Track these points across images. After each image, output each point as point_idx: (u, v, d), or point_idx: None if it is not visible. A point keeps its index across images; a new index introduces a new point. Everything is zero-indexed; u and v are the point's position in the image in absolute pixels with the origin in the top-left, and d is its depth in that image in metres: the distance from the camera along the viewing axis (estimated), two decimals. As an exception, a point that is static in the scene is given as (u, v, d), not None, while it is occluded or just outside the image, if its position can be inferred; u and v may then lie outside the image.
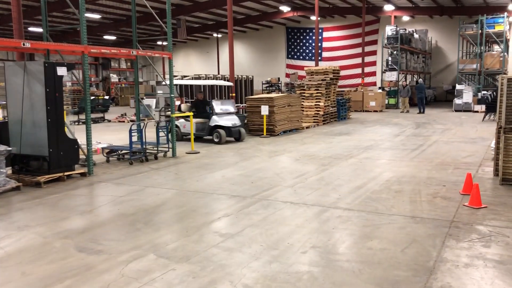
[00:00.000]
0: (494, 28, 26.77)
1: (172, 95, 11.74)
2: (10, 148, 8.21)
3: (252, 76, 23.34)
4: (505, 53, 27.60)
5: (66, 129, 9.28)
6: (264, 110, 15.09)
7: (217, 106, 14.07)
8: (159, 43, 39.93)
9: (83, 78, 9.32)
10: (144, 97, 25.84)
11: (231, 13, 16.94)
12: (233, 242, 5.41)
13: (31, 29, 26.65)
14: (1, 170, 7.81)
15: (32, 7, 22.65)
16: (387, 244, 5.29)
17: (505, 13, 26.95)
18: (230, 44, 16.89)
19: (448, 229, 5.76)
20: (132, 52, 10.64)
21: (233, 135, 13.93)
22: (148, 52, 11.40)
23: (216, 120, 13.72)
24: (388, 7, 30.66)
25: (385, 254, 4.97)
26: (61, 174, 8.72)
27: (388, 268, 4.62)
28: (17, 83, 8.62)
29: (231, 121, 13.87)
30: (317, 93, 19.24)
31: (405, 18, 34.04)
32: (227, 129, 13.78)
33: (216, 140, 13.74)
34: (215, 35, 41.38)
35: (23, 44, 8.20)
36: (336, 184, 8.33)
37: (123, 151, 11.41)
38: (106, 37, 37.95)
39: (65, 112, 10.10)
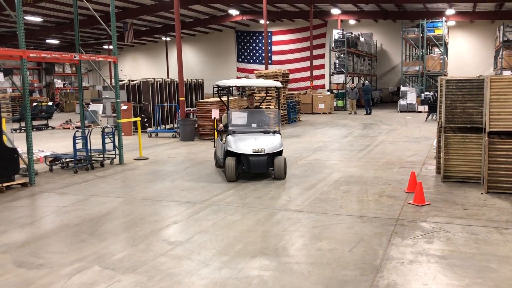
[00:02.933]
0: (434, 32, 27.99)
1: (118, 100, 11.42)
2: None
3: (202, 80, 23.18)
4: (445, 56, 28.93)
5: (4, 137, 8.81)
6: (215, 113, 14.98)
7: (237, 118, 9.31)
8: (106, 47, 38.92)
9: (22, 83, 8.88)
10: (90, 103, 25.06)
11: (179, 17, 16.73)
12: (182, 249, 5.31)
13: (-34, 32, 25.24)
14: None
15: (-34, 9, 21.44)
16: (335, 244, 5.35)
17: (443, 18, 28.27)
18: (178, 48, 16.67)
19: (393, 227, 5.92)
20: (75, 57, 10.28)
21: (255, 168, 8.68)
22: (91, 56, 11.05)
23: (231, 143, 8.81)
24: (335, 11, 31.40)
25: (333, 255, 5.03)
26: (-1, 185, 8.27)
27: (336, 268, 4.67)
28: None
29: (256, 145, 8.75)
30: (268, 96, 19.35)
31: (351, 22, 34.98)
32: (245, 158, 8.72)
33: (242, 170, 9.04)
34: (163, 38, 40.83)
35: (-46, 49, 7.72)
36: (286, 186, 8.38)
37: (67, 159, 10.97)
38: (49, 41, 36.54)
39: (4, 119, 9.60)
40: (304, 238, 5.64)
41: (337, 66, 29.74)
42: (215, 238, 5.65)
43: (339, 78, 29.51)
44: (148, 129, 17.55)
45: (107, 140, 11.17)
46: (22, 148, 10.21)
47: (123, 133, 12.64)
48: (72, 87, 41.11)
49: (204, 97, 22.00)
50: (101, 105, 20.66)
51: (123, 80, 19.15)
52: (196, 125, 15.92)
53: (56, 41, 37.67)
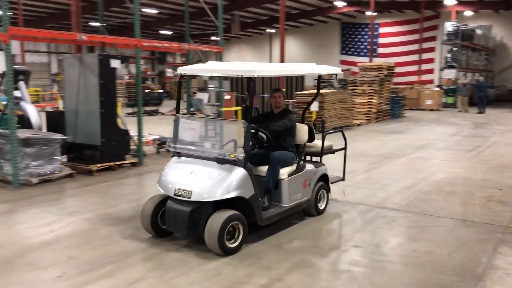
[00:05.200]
0: None
1: (222, 90, 11.85)
2: (65, 137, 8.59)
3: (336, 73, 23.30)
4: None
5: (119, 120, 9.58)
6: (314, 106, 14.90)
7: (185, 130, 5.49)
8: (213, 38, 40.49)
9: (136, 71, 9.58)
10: (197, 91, 26.27)
11: (284, 8, 16.84)
12: (276, 239, 5.37)
13: (92, 23, 27.80)
14: (56, 157, 8.17)
15: (93, 2, 23.61)
16: (433, 246, 5.06)
17: None
18: (281, 39, 16.80)
19: (501, 234, 5.44)
20: (184, 46, 10.81)
21: (170, 223, 5.00)
22: (199, 46, 11.56)
23: (162, 173, 5.42)
24: (449, 2, 29.35)
25: (430, 257, 4.76)
26: (112, 163, 9.01)
27: (432, 271, 4.41)
28: (74, 74, 8.98)
29: (184, 182, 5.00)
30: (370, 89, 18.77)
31: (468, 13, 32.48)
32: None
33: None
34: (268, 30, 41.39)
35: (80, 37, 8.54)
36: (384, 183, 8.07)
37: (173, 143, 11.61)
38: (162, 32, 38.91)
39: (119, 104, 10.44)
40: (399, 237, 5.41)
41: (448, 60, 27.87)
42: (307, 229, 5.64)
43: (450, 73, 27.61)
44: (249, 119, 17.94)
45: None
46: (133, 131, 11.03)
47: (224, 121, 13.10)
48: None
49: (304, 89, 21.95)
50: (207, 94, 21.58)
51: (228, 70, 19.73)
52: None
53: (169, 32, 40.01)
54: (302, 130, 6.07)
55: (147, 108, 22.74)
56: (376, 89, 18.69)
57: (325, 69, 6.60)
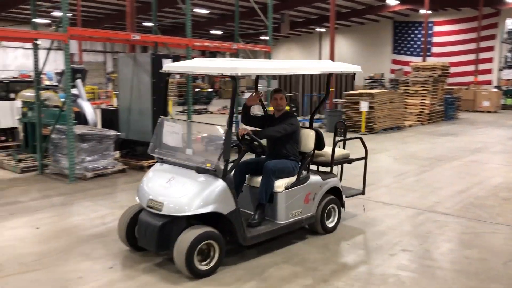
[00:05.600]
0: None
1: (269, 89, 11.86)
2: (118, 133, 8.90)
3: (354, 72, 22.92)
4: None
5: (170, 118, 9.81)
6: (364, 106, 14.63)
7: (169, 133, 4.87)
8: (263, 38, 40.63)
9: (186, 70, 9.76)
10: (245, 90, 26.45)
11: (334, 7, 16.65)
12: (321, 241, 5.33)
13: (145, 24, 28.63)
14: (110, 153, 8.48)
15: (147, 3, 24.30)
16: (487, 254, 4.84)
17: None
18: (331, 38, 16.63)
19: None
20: (233, 46, 10.92)
21: (141, 238, 4.52)
22: (248, 46, 11.63)
23: (142, 181, 4.87)
24: (510, -2, 27.97)
25: (483, 265, 4.56)
26: (162, 160, 9.22)
27: (485, 280, 4.23)
28: (128, 73, 9.28)
29: (158, 193, 4.48)
30: (422, 90, 18.21)
31: (530, 10, 30.80)
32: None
33: None
34: (318, 29, 41.04)
35: (133, 37, 8.82)
36: (435, 186, 7.81)
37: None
38: (212, 31, 39.49)
39: (170, 102, 10.69)
40: (450, 243, 5.22)
41: (508, 59, 26.54)
42: (353, 231, 5.55)
43: (510, 74, 26.29)
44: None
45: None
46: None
47: (272, 121, 13.13)
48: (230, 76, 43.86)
49: (354, 89, 21.61)
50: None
51: (276, 70, 19.74)
52: (343, 117, 15.73)
53: (219, 32, 40.56)
54: (308, 136, 5.33)
55: (197, 107, 23.17)
56: (429, 89, 18.10)
57: (338, 67, 5.72)
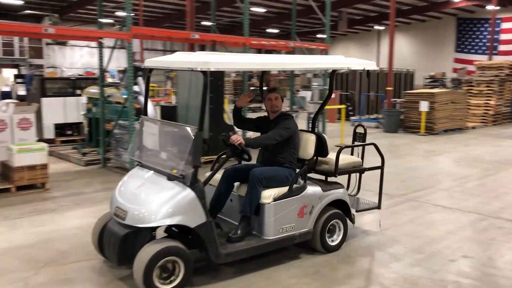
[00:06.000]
0: None
1: (326, 87, 11.75)
2: (176, 130, 9.13)
3: (414, 70, 22.13)
4: None
5: (225, 115, 9.95)
6: (423, 106, 14.15)
7: (148, 135, 4.51)
8: (319, 36, 40.28)
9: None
10: (300, 89, 26.35)
11: (394, 4, 16.20)
12: (374, 239, 5.22)
13: (203, 23, 29.16)
14: (168, 148, 8.71)
15: (205, 2, 24.77)
16: (557, 265, 4.54)
17: None
18: (390, 36, 16.20)
19: None
20: (290, 44, 10.90)
21: (106, 248, 4.19)
22: (304, 44, 11.56)
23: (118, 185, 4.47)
24: None
25: (553, 277, 4.28)
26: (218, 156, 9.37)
27: (555, 293, 3.97)
28: (186, 72, 9.49)
29: (125, 200, 4.10)
30: (487, 90, 17.34)
31: None
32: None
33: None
34: (376, 27, 40.10)
35: (192, 36, 9.02)
36: (500, 191, 7.42)
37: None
38: (269, 30, 39.59)
39: (226, 99, 10.85)
40: (516, 251, 4.94)
41: None
42: (410, 234, 5.38)
43: None
44: (352, 118, 17.61)
45: (310, 125, 11.65)
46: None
47: (327, 120, 12.98)
48: (285, 74, 43.95)
49: (413, 88, 20.94)
50: (310, 92, 21.56)
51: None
52: (402, 117, 15.28)
53: (275, 30, 40.62)
54: (308, 141, 4.73)
55: (252, 105, 23.37)
56: (495, 89, 17.20)
57: (344, 62, 4.88)
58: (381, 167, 5.30)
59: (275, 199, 4.25)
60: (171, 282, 3.75)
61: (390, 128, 14.91)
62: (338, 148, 4.91)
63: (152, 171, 4.18)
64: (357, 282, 4.15)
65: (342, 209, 4.81)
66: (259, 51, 43.03)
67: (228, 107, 14.17)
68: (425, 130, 14.39)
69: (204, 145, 9.34)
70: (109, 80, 23.11)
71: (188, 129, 3.94)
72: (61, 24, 25.47)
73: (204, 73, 3.79)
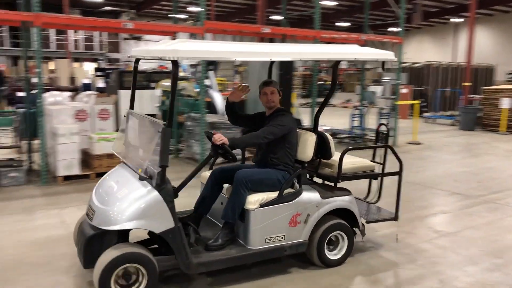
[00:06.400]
0: None
1: (399, 82, 11.38)
2: (245, 123, 9.26)
3: (494, 65, 20.82)
4: None
5: (293, 109, 9.94)
6: (505, 103, 13.29)
7: (131, 129, 4.24)
8: (391, 29, 38.99)
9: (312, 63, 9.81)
10: (371, 84, 25.73)
11: (475, -6, 15.33)
12: (448, 240, 5.01)
13: (272, 17, 29.21)
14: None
15: (276, -3, 24.83)
16: None
17: None
18: (470, 29, 15.34)
19: None
20: (362, 37, 10.65)
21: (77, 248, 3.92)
22: (377, 37, 11.25)
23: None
24: None
25: None
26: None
27: None
28: (256, 65, 9.58)
29: (98, 199, 3.85)
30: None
31: None
32: None
33: None
34: (453, 20, 38.11)
35: (263, 30, 9.07)
36: None
37: (343, 135, 11.66)
38: (338, 24, 38.92)
39: (294, 94, 10.83)
40: None
41: None
42: (488, 238, 5.10)
43: None
44: (425, 114, 16.93)
45: (383, 121, 11.36)
46: (305, 121, 11.33)
47: (399, 116, 12.57)
48: (355, 68, 43.05)
49: (493, 84, 19.75)
50: (380, 87, 20.99)
51: (406, 63, 18.92)
52: (480, 114, 14.46)
53: (346, 24, 39.85)
54: (307, 141, 4.17)
55: (320, 100, 23.15)
56: None
57: (353, 52, 4.20)
58: (399, 173, 4.62)
59: (261, 205, 3.82)
60: None
61: (467, 126, 14.17)
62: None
63: (129, 169, 3.89)
64: (429, 284, 4.00)
65: (348, 219, 4.25)
66: (327, 44, 42.34)
67: (296, 101, 14.14)
68: (506, 129, 13.52)
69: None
70: (181, 74, 23.86)
71: (156, 124, 3.58)
72: (137, 20, 26.63)
73: (173, 62, 3.33)
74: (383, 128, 4.88)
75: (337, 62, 4.31)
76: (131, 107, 4.25)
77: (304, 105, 20.32)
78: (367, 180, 4.93)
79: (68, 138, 7.09)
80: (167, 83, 10.56)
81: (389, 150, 4.66)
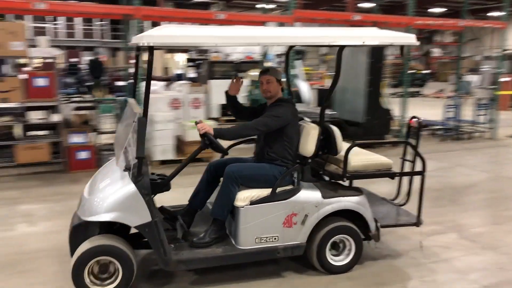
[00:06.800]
0: None
1: (500, 70, 10.60)
2: (331, 112, 9.16)
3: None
4: None
5: (382, 99, 9.66)
6: None
7: (124, 121, 4.34)
8: (490, 14, 36.21)
9: (401, 52, 9.43)
10: (467, 73, 24.18)
11: None
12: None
13: (360, 5, 28.43)
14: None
15: (365, -17, 24.04)
16: None
17: None
18: None
19: None
20: (460, 23, 10.04)
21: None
22: (477, 23, 10.54)
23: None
24: None
25: None
26: (372, 141, 9.16)
27: None
28: (344, 53, 9.43)
29: (88, 192, 3.77)
30: None
31: None
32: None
33: None
34: None
35: (353, 17, 8.88)
36: None
37: (436, 127, 11.12)
38: (431, 10, 36.88)
39: (385, 83, 10.50)
40: None
41: None
42: None
43: None
44: (529, 106, 15.60)
45: (480, 113, 10.69)
46: (394, 111, 10.95)
47: (499, 107, 11.71)
48: (449, 56, 40.58)
49: None
50: (478, 76, 19.66)
51: (508, 50, 17.50)
52: None
53: (441, 9, 37.66)
54: (309, 135, 3.81)
55: (410, 89, 22.22)
56: None
57: (354, 36, 3.81)
58: (422, 173, 4.05)
59: (252, 202, 3.56)
60: (106, 285, 3.38)
61: None
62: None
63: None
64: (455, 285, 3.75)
65: (359, 222, 3.82)
66: (419, 32, 40.53)
67: (386, 91, 13.69)
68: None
69: (358, 128, 9.22)
70: (268, 64, 24.10)
71: (133, 114, 3.41)
72: (226, 10, 27.25)
73: (149, 48, 3.16)
74: (414, 121, 4.30)
75: (342, 47, 3.71)
76: (133, 96, 4.19)
77: (393, 95, 19.63)
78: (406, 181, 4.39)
79: (164, 125, 7.52)
80: (255, 73, 10.73)
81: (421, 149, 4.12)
